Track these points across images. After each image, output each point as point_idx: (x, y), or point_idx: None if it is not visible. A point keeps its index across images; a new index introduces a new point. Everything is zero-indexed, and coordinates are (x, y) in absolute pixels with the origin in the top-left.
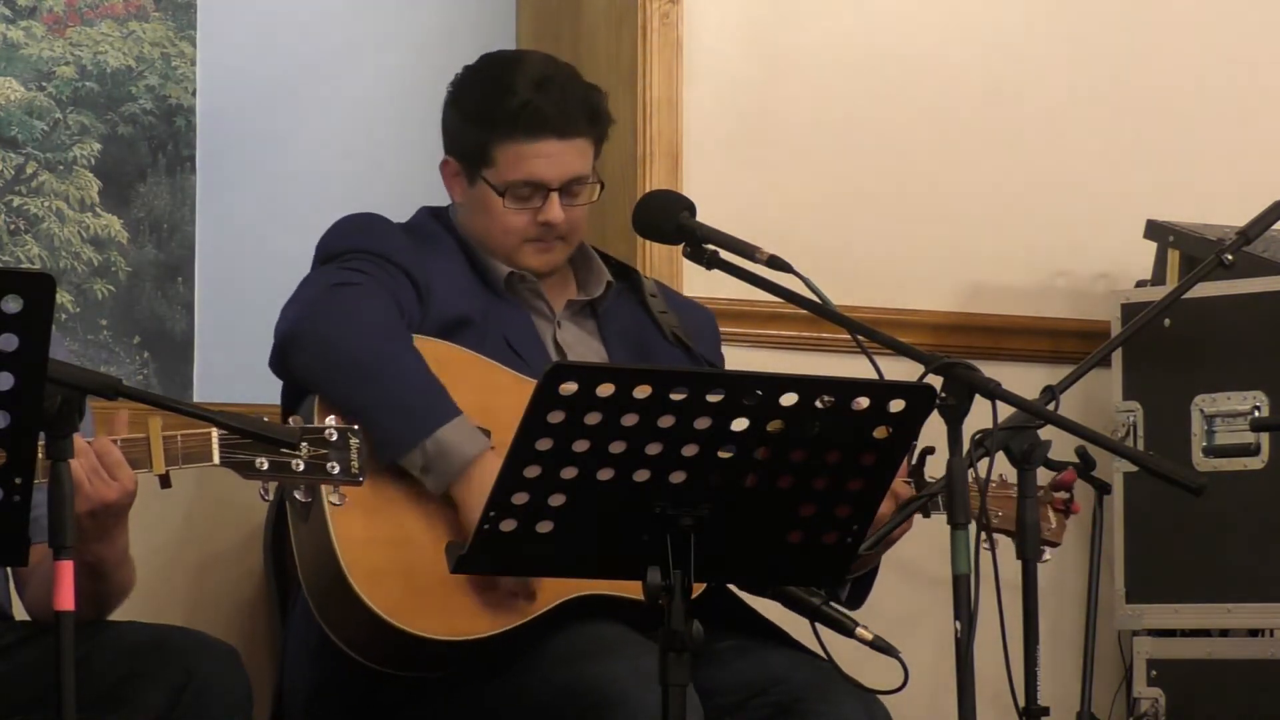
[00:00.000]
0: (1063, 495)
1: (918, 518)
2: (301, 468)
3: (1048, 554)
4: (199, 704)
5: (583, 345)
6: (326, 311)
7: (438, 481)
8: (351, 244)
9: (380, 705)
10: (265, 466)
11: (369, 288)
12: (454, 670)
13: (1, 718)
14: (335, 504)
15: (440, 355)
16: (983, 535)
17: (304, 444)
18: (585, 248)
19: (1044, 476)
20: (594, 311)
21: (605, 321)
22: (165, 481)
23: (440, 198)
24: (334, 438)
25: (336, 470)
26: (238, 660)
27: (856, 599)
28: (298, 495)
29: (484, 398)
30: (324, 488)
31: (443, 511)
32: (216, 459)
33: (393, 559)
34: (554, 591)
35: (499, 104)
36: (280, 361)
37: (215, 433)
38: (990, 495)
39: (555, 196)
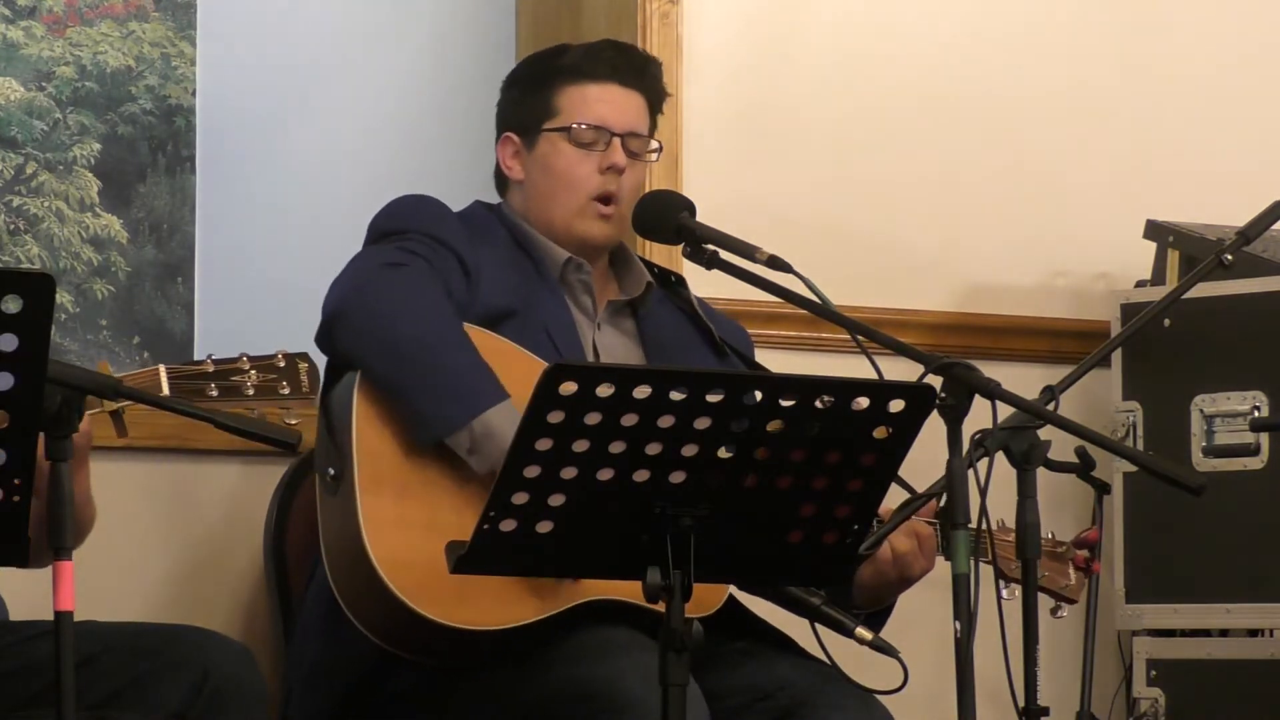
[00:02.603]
0: (1084, 554)
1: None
2: (252, 393)
3: (1064, 610)
4: (218, 701)
5: (621, 349)
6: (378, 290)
7: (483, 462)
8: (406, 223)
9: (385, 691)
10: (216, 394)
11: (421, 269)
12: (464, 661)
13: (6, 714)
14: (291, 423)
15: (486, 345)
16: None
17: (253, 370)
18: (626, 249)
19: (1067, 530)
20: (634, 313)
21: (645, 324)
22: (121, 429)
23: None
24: (282, 364)
25: (287, 391)
26: (252, 659)
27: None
28: (330, 470)
29: (526, 390)
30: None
31: (476, 501)
32: (166, 389)
33: (419, 543)
34: (576, 591)
35: (558, 60)
36: (327, 337)
37: (164, 368)
38: (1003, 541)
39: (618, 142)
